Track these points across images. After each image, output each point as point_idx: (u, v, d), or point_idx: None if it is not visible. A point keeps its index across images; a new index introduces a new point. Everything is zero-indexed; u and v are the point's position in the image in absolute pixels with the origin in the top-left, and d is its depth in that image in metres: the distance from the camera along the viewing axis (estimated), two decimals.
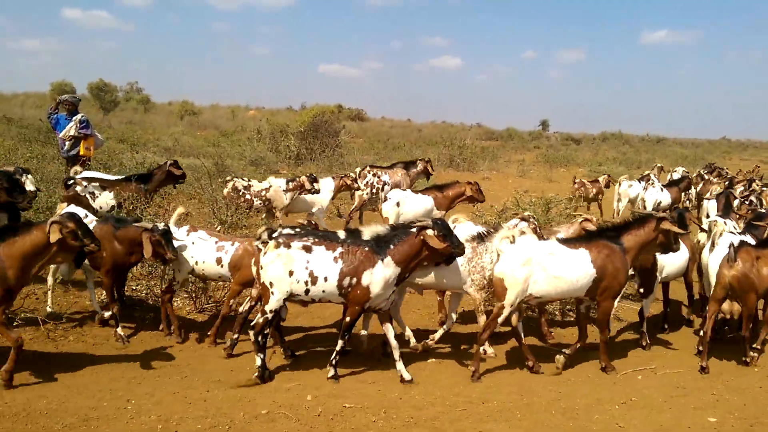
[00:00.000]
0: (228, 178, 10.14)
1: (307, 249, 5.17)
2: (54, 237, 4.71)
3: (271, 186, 9.86)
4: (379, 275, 5.15)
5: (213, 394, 4.91)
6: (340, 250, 5.20)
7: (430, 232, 5.17)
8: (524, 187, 17.33)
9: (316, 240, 5.25)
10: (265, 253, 5.19)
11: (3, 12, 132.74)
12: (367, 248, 5.20)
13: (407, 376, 5.34)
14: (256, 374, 5.22)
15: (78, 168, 8.80)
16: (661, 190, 13.32)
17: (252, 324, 5.28)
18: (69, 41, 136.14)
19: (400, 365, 5.38)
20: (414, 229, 5.25)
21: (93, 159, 12.70)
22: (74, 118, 9.80)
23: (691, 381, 5.69)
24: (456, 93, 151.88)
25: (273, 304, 5.20)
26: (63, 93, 13.08)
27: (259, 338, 5.24)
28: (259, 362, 5.23)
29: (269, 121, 22.19)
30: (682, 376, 5.80)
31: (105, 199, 8.22)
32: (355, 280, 5.14)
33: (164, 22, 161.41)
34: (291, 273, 5.12)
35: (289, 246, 5.16)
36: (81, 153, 9.89)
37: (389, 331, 5.47)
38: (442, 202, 9.86)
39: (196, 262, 6.15)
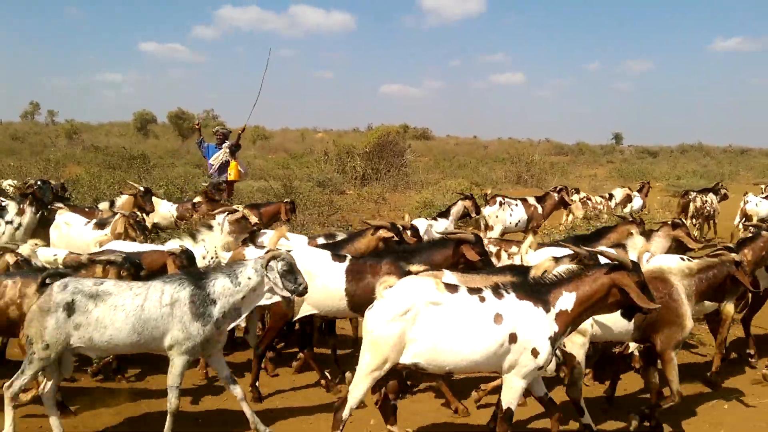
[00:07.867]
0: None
1: None
2: None
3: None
4: None
5: (278, 423, 4.90)
6: None
7: None
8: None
9: None
10: None
11: (88, 49, 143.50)
12: None
13: None
14: None
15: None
16: None
17: None
18: (147, 73, 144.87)
19: None
20: None
21: (170, 183, 13.41)
22: (224, 145, 10.71)
23: None
24: (521, 108, 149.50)
25: None
26: (144, 121, 13.86)
27: None
28: None
29: (335, 142, 22.55)
30: None
31: None
32: None
33: (233, 52, 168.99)
34: None
35: None
36: (231, 178, 10.71)
37: None
38: None
39: None
